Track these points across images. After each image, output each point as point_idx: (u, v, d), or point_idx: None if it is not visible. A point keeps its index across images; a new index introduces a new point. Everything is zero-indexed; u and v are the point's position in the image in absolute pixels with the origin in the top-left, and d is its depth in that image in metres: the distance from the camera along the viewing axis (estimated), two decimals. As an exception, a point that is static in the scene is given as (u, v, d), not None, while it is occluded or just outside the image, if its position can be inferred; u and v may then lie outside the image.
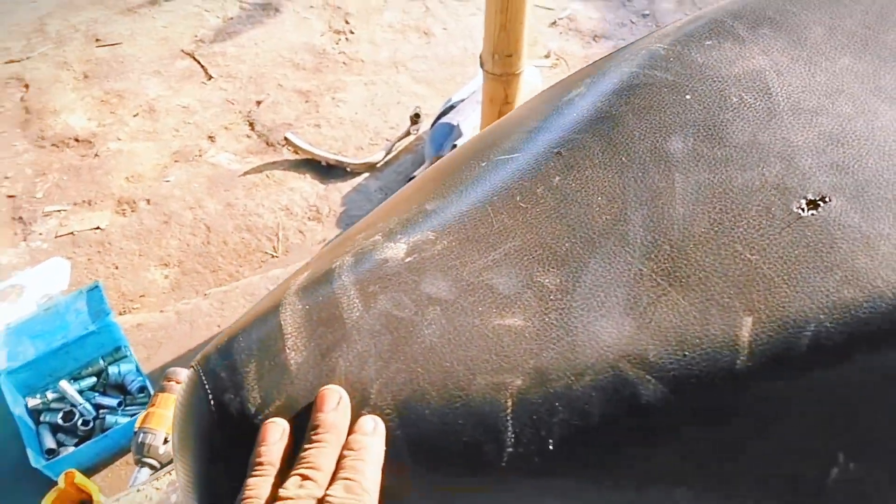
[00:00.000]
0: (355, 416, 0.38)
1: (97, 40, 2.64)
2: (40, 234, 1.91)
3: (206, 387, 0.40)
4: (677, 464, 0.38)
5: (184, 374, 1.32)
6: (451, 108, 1.93)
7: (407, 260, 0.43)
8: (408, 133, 2.12)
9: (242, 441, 0.38)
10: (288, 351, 0.40)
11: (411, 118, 2.11)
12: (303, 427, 0.37)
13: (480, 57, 1.38)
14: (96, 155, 2.14)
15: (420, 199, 0.49)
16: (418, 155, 2.09)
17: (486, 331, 0.39)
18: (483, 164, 0.49)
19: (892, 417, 0.40)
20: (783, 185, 0.43)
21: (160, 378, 1.34)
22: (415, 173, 1.96)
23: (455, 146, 1.84)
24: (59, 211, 1.97)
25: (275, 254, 1.84)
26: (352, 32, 2.64)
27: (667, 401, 0.37)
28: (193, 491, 0.41)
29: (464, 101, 1.92)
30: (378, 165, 2.07)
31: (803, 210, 0.41)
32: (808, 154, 0.44)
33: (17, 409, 1.38)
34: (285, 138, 2.10)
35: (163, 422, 1.25)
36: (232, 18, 2.75)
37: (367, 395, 0.38)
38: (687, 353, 0.37)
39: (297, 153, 2.11)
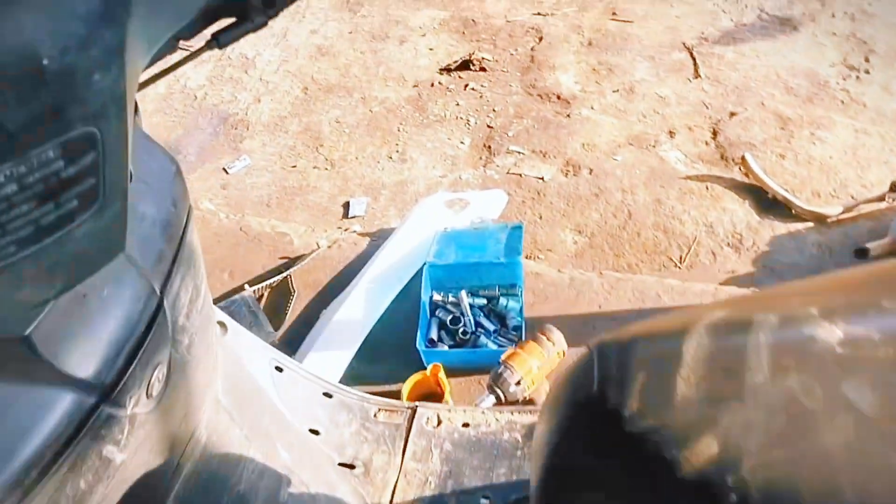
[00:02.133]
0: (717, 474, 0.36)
1: (613, 13, 2.84)
2: (497, 165, 2.21)
3: (596, 370, 0.43)
4: None
5: (557, 333, 1.44)
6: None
7: (838, 350, 0.39)
8: (881, 198, 1.86)
9: (600, 431, 0.41)
10: (679, 379, 0.40)
11: (892, 184, 1.84)
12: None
13: None
14: (568, 115, 2.36)
15: (878, 289, 0.43)
16: (881, 226, 1.82)
17: None
18: None
19: None
20: None
21: (535, 327, 1.48)
22: (868, 244, 1.72)
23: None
24: (518, 153, 2.24)
25: (679, 264, 1.83)
26: (867, 72, 2.37)
27: None
28: (540, 445, 0.45)
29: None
30: (829, 220, 1.87)
31: None
32: None
33: (426, 296, 1.67)
34: (742, 157, 2.03)
35: (523, 364, 1.38)
36: (745, 24, 2.69)
37: (738, 464, 0.36)
38: None
39: (747, 176, 2.02)
